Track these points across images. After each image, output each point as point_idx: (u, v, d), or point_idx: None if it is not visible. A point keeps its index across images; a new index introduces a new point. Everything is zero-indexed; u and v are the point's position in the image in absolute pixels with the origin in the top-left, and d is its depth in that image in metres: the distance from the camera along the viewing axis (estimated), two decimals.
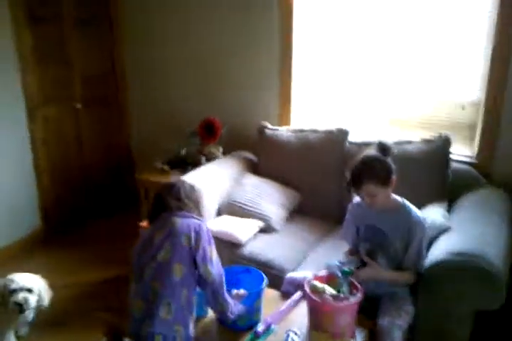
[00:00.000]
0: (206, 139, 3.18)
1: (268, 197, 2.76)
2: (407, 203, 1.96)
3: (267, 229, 2.64)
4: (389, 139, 2.65)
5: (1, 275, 2.38)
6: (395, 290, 1.96)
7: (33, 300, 2.22)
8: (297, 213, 2.87)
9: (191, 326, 1.66)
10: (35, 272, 2.35)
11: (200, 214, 1.90)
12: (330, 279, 1.85)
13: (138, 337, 1.62)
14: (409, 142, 2.65)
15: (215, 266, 1.69)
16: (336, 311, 1.71)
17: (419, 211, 1.98)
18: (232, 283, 1.89)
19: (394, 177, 1.89)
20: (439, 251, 1.98)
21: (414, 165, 2.54)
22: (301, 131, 2.96)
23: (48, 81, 3.40)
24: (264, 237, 2.59)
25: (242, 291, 1.80)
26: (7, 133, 3.22)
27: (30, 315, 2.30)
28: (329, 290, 1.77)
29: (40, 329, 2.48)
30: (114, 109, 3.99)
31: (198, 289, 1.72)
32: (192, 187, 1.92)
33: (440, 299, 1.92)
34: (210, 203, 2.71)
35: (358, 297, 1.74)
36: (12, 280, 2.22)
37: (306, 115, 3.25)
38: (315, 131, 2.91)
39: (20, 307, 2.19)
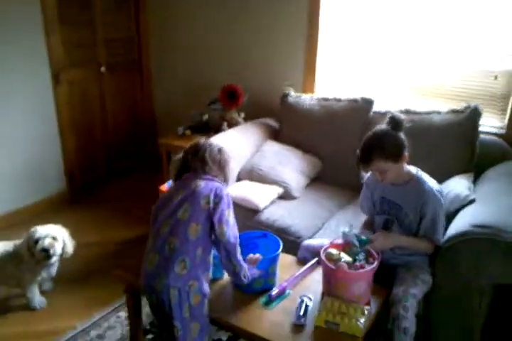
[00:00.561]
0: (228, 105, 3.15)
1: (288, 164, 2.74)
2: (421, 174, 1.91)
3: (286, 196, 2.63)
4: (416, 109, 2.61)
5: None
6: (413, 259, 1.93)
7: (58, 246, 2.31)
8: (317, 181, 2.84)
9: (205, 282, 1.69)
10: None
11: (225, 177, 1.83)
12: (346, 247, 1.84)
13: (152, 290, 1.65)
14: (438, 112, 2.56)
15: (230, 228, 1.68)
16: (350, 278, 1.71)
17: (434, 182, 1.92)
18: (249, 248, 1.90)
19: (406, 153, 1.83)
20: (461, 223, 1.93)
21: (441, 136, 2.47)
22: (325, 99, 2.90)
23: (72, 44, 3.39)
24: (283, 204, 2.58)
25: (256, 255, 1.80)
26: (33, 97, 3.25)
27: (55, 263, 2.39)
28: (345, 257, 1.76)
29: (63, 285, 2.57)
30: (137, 74, 3.97)
31: (214, 251, 1.73)
32: (219, 150, 1.83)
33: (459, 270, 1.89)
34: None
35: (374, 265, 1.72)
36: (35, 230, 2.30)
37: (331, 84, 3.16)
38: (339, 100, 2.84)
39: (47, 252, 2.27)
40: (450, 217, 2.02)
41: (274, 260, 1.84)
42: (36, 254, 2.26)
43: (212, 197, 1.67)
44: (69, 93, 3.47)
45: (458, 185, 2.20)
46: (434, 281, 1.91)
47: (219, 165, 1.80)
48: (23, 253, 2.28)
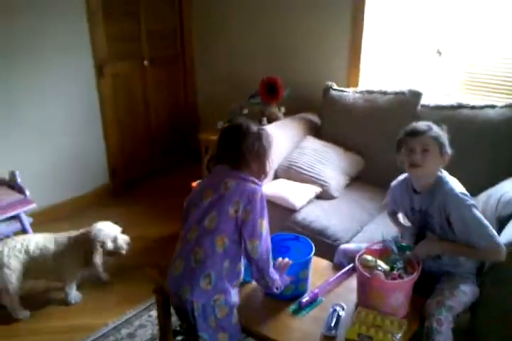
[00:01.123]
0: (267, 99, 3.05)
1: (328, 162, 2.61)
2: (446, 177, 1.75)
3: (324, 196, 2.51)
4: (467, 102, 2.41)
5: (72, 225, 2.56)
6: (457, 269, 1.77)
7: (121, 246, 2.40)
8: (359, 180, 2.70)
9: (233, 292, 1.59)
10: None
11: (263, 170, 1.60)
12: (384, 254, 1.71)
13: (177, 297, 1.59)
14: (492, 106, 2.35)
15: (263, 242, 1.52)
16: (387, 289, 1.58)
17: (459, 185, 1.74)
18: (281, 252, 1.82)
19: (449, 151, 1.72)
20: None
21: (496, 131, 2.27)
22: (370, 92, 2.74)
23: (116, 37, 3.39)
24: (321, 204, 2.46)
25: (286, 260, 1.69)
26: (77, 90, 3.28)
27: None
28: (382, 265, 1.64)
29: (99, 280, 2.58)
30: (180, 67, 3.94)
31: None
32: (258, 135, 1.58)
33: (510, 282, 1.71)
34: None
35: (414, 275, 1.58)
36: (100, 229, 2.35)
37: (376, 77, 3.00)
38: (384, 93, 2.67)
39: (112, 254, 2.37)
40: (503, 222, 1.83)
41: (305, 265, 1.74)
42: (99, 253, 2.31)
43: (242, 204, 1.51)
44: (112, 86, 3.48)
45: (510, 188, 2.00)
46: (481, 293, 1.74)
47: (257, 155, 1.58)
48: (84, 249, 2.33)
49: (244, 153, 1.56)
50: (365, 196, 2.55)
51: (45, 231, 2.46)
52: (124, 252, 2.44)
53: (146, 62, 3.62)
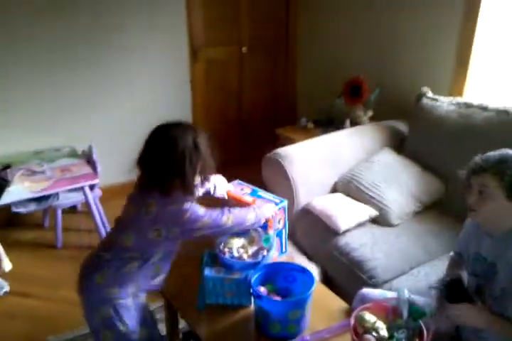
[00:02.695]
0: (349, 100, 2.71)
1: (396, 182, 2.20)
2: None
3: (381, 221, 2.13)
4: None
5: None
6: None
7: None
8: (434, 209, 2.24)
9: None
10: None
11: (187, 190, 1.43)
12: (394, 314, 1.34)
13: None
14: None
15: (213, 228, 1.49)
16: None
17: None
18: (288, 280, 1.59)
19: None
20: None
21: None
22: (468, 105, 2.23)
23: (214, 22, 3.30)
24: (374, 230, 2.09)
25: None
26: (169, 74, 3.28)
27: None
28: (380, 330, 1.28)
29: None
30: (281, 57, 3.72)
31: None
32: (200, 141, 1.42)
33: None
34: (324, 176, 2.32)
35: None
36: None
37: (486, 88, 2.44)
38: (484, 109, 2.16)
39: None
40: None
41: (295, 305, 1.45)
42: None
43: (165, 228, 1.44)
44: (205, 72, 3.42)
45: None
46: None
47: (179, 170, 1.41)
48: None
49: (152, 174, 1.43)
50: (433, 230, 2.09)
51: (110, 207, 2.49)
52: None
53: (244, 49, 3.48)
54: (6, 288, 2.40)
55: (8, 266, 2.33)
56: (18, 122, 2.91)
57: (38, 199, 2.61)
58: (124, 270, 1.48)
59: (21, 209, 2.60)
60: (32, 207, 2.63)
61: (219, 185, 1.76)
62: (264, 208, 1.65)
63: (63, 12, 2.81)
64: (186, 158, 1.38)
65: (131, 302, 1.53)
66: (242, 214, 1.58)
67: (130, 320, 1.53)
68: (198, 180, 1.48)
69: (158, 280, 1.60)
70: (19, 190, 2.44)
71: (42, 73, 2.88)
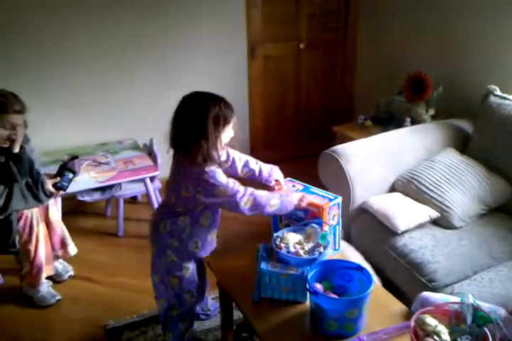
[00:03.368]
0: (411, 97, 2.62)
1: (460, 183, 2.13)
2: None
3: (442, 223, 2.07)
4: None
5: None
6: None
7: None
8: (498, 212, 2.15)
9: None
10: None
11: (206, 155, 1.57)
12: (457, 319, 1.31)
13: None
14: None
15: (232, 202, 1.60)
16: None
17: None
18: (344, 279, 1.58)
19: None
20: None
21: None
22: None
23: (273, 18, 3.30)
24: (435, 232, 2.03)
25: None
26: (227, 69, 3.32)
27: None
28: (442, 334, 1.25)
29: None
30: (340, 53, 3.66)
31: None
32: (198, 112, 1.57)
33: None
34: (382, 175, 2.28)
35: None
36: None
37: None
38: None
39: None
40: None
41: (352, 303, 1.44)
42: None
43: (192, 186, 1.62)
44: (263, 68, 3.43)
45: None
46: None
47: (194, 136, 1.58)
48: None
49: (180, 137, 1.58)
50: (498, 233, 2.01)
51: None
52: None
53: (302, 45, 3.46)
54: (71, 272, 2.52)
55: (73, 250, 2.46)
56: (86, 117, 3.06)
57: (102, 189, 2.73)
58: (178, 223, 1.68)
59: (86, 198, 2.73)
60: (96, 196, 2.75)
61: (275, 174, 1.88)
62: (292, 195, 1.69)
63: (132, 13, 2.93)
64: (210, 120, 1.50)
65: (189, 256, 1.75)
66: (265, 198, 1.64)
67: (190, 269, 1.76)
68: (221, 148, 1.59)
69: (209, 247, 1.79)
70: (85, 180, 2.57)
71: (110, 76, 3.03)
